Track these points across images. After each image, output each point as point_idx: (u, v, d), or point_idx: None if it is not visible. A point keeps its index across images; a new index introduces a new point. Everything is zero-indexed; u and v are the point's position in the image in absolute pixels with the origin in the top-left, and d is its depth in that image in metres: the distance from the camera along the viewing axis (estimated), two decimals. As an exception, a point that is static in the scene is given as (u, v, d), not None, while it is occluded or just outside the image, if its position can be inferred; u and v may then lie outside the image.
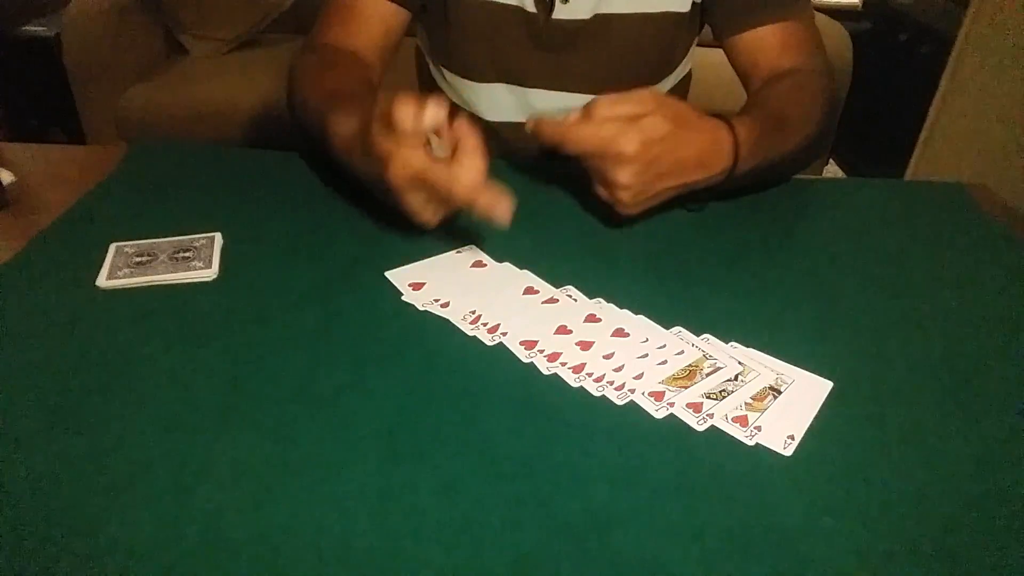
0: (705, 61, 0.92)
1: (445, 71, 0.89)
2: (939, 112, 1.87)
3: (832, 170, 2.48)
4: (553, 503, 0.41)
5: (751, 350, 0.52)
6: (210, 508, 0.40)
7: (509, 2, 0.79)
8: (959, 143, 1.83)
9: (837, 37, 1.92)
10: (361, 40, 0.79)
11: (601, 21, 0.79)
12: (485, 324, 0.54)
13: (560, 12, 0.78)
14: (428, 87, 0.98)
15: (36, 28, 2.13)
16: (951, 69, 1.83)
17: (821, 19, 1.98)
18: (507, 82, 0.85)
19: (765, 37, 0.79)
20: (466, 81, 0.87)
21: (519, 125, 0.89)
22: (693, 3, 0.81)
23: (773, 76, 0.78)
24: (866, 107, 2.23)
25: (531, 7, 0.79)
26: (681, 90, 0.96)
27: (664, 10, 0.79)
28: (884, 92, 2.31)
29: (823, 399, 0.49)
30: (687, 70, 0.94)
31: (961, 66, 1.80)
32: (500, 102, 0.87)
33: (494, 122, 0.89)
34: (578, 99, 0.85)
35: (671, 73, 0.90)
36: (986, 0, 1.71)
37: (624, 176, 0.58)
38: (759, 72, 0.80)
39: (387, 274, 0.60)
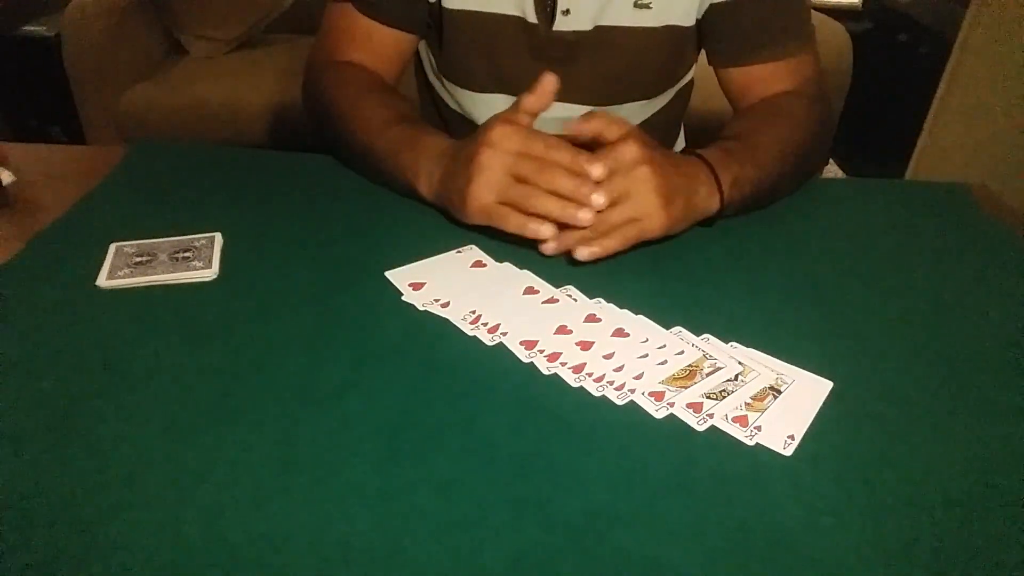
0: (706, 61, 0.92)
1: (444, 80, 0.89)
2: (939, 112, 1.87)
3: (832, 170, 2.48)
4: (553, 503, 0.41)
5: (751, 350, 0.52)
6: (210, 508, 0.40)
7: (509, 13, 0.78)
8: (959, 143, 1.83)
9: (837, 37, 1.92)
10: (377, 64, 0.81)
11: (602, 33, 0.79)
12: (485, 324, 0.54)
13: (561, 23, 0.78)
14: (426, 94, 0.98)
15: (36, 28, 2.12)
16: (951, 69, 1.82)
17: (821, 19, 1.99)
18: (506, 92, 0.85)
19: (760, 71, 0.79)
20: (465, 91, 0.87)
21: None
22: (697, 18, 0.81)
23: (758, 102, 0.78)
24: (866, 107, 2.23)
25: (532, 18, 0.78)
26: (682, 98, 0.96)
27: (667, 24, 0.79)
28: (884, 92, 2.31)
29: (823, 399, 0.49)
30: (689, 79, 0.94)
31: (961, 66, 1.80)
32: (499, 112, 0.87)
33: None
34: (578, 110, 0.85)
35: (673, 85, 0.90)
36: (986, 0, 1.71)
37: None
38: (748, 100, 0.80)
39: (387, 274, 0.60)
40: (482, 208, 0.60)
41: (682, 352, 0.52)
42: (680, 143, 1.04)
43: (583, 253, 0.58)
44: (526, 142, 0.59)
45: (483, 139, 0.60)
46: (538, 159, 0.59)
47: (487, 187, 0.59)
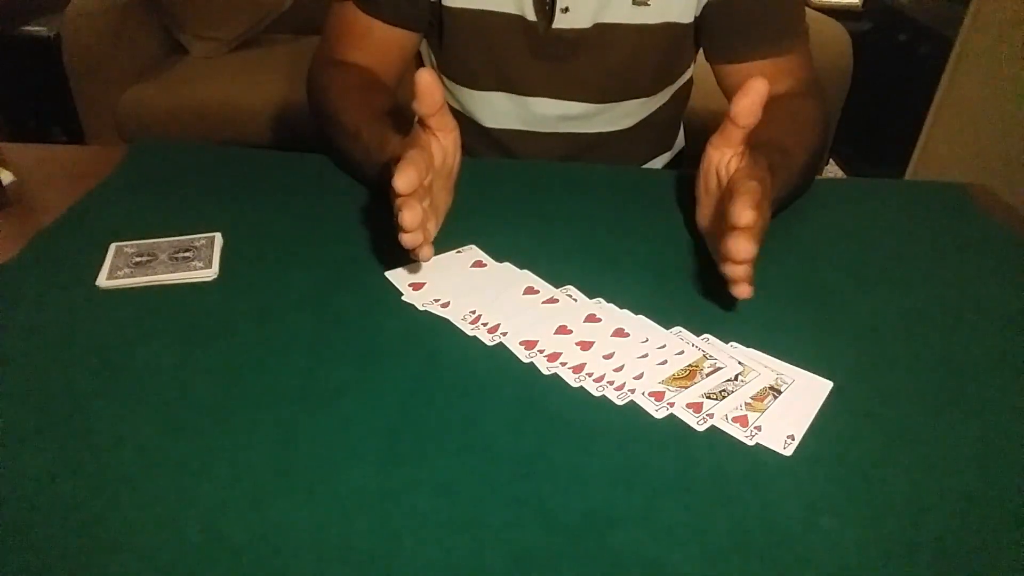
0: (704, 60, 0.92)
1: (444, 78, 0.89)
2: (939, 112, 1.87)
3: (832, 170, 2.48)
4: (553, 503, 0.41)
5: (751, 350, 0.52)
6: (210, 508, 0.40)
7: (509, 11, 0.79)
8: (959, 143, 1.83)
9: (837, 37, 1.92)
10: (379, 63, 0.81)
11: (601, 31, 0.79)
12: (485, 324, 0.54)
13: (560, 21, 0.78)
14: None
15: (36, 28, 2.13)
16: (951, 69, 1.83)
17: (821, 19, 1.99)
18: (507, 90, 0.85)
19: (757, 68, 0.78)
20: (465, 89, 0.87)
21: (518, 132, 0.89)
22: (695, 16, 0.81)
23: (777, 104, 0.77)
24: (866, 107, 2.23)
25: (531, 16, 0.79)
26: (682, 97, 0.96)
27: (665, 21, 0.79)
28: (884, 92, 2.31)
29: (823, 399, 0.49)
30: (688, 77, 0.94)
31: (961, 66, 1.80)
32: (499, 110, 0.88)
33: (493, 129, 0.90)
34: (578, 108, 0.85)
35: (672, 83, 0.90)
36: (986, 0, 1.71)
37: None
38: None
39: (387, 274, 0.60)
40: None
41: (682, 352, 0.52)
42: (679, 142, 1.04)
43: (743, 292, 0.53)
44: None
45: None
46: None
47: None
